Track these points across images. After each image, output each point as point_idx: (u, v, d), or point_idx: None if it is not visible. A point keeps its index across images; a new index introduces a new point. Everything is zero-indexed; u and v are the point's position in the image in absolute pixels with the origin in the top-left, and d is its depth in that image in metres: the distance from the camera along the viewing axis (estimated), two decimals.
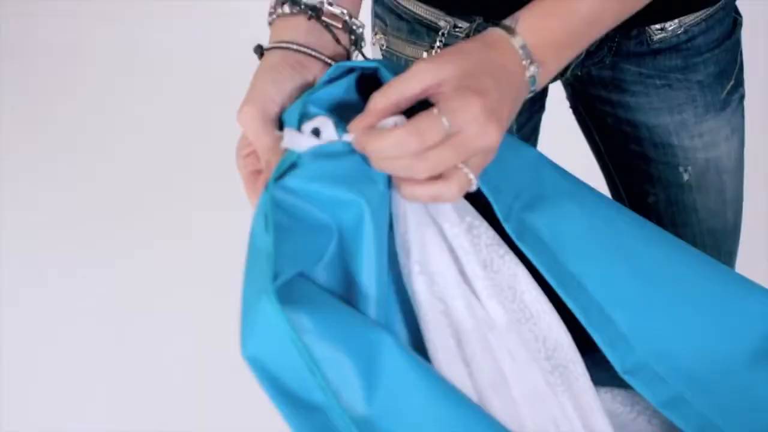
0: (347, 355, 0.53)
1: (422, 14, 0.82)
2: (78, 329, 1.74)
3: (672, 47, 0.83)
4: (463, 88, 0.54)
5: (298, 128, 0.59)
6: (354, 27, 0.68)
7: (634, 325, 0.63)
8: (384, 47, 0.86)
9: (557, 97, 0.97)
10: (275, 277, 0.52)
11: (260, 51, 0.66)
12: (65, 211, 2.02)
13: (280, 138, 0.59)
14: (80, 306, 1.79)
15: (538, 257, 0.62)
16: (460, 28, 0.81)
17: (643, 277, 0.65)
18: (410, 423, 0.54)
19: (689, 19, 0.82)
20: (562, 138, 1.14)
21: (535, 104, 0.92)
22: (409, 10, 0.82)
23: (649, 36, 0.82)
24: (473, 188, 0.56)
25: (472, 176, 0.55)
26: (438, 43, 0.82)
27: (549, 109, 0.96)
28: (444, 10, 0.81)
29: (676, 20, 0.81)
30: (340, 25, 0.67)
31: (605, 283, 0.64)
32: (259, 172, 0.62)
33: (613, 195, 0.99)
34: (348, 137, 0.57)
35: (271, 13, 0.67)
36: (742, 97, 0.90)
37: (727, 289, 0.69)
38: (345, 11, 0.66)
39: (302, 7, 0.65)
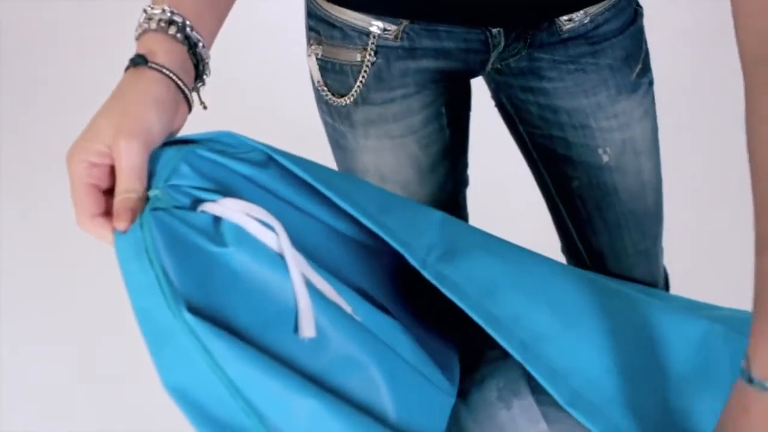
0: (270, 376, 0.54)
1: (353, 21, 0.88)
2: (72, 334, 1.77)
3: (580, 36, 0.90)
4: None
5: (167, 181, 0.58)
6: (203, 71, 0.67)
7: (563, 359, 0.65)
8: (319, 56, 0.91)
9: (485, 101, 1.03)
10: (183, 306, 0.52)
11: (140, 63, 0.62)
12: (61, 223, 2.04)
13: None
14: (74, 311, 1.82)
15: (463, 301, 0.64)
16: (389, 30, 0.87)
17: (561, 312, 0.68)
18: None
19: (594, 9, 0.89)
20: (490, 137, 1.21)
21: (459, 102, 0.98)
22: (341, 18, 0.88)
23: (559, 27, 0.89)
24: None
25: None
26: (371, 45, 0.88)
27: (478, 112, 1.02)
28: (373, 16, 0.87)
29: (582, 11, 0.88)
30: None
31: (526, 322, 0.66)
32: (99, 189, 0.59)
33: (539, 185, 1.04)
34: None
35: (148, 19, 0.65)
36: (651, 82, 0.97)
37: (647, 317, 0.72)
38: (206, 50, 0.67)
39: (184, 35, 0.65)
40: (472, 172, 1.06)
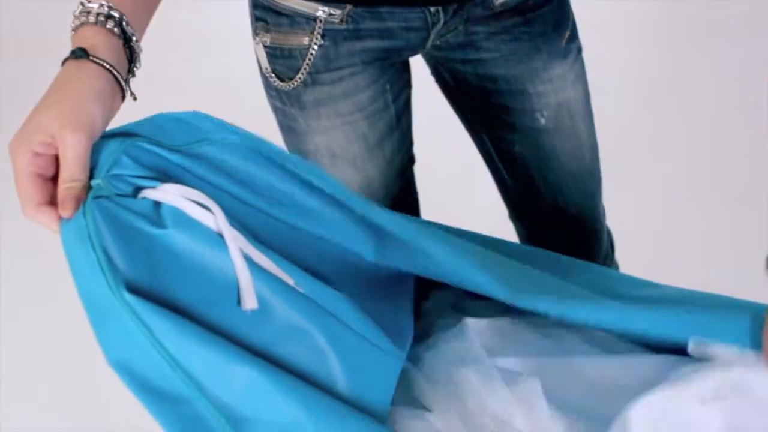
0: (209, 348, 0.58)
1: (300, 8, 0.92)
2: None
3: (512, 9, 0.95)
4: None
5: (108, 171, 0.62)
6: (136, 59, 0.71)
7: None
8: (267, 43, 0.95)
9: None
10: (123, 287, 0.56)
11: (82, 57, 0.66)
12: None
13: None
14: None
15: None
16: (334, 14, 0.91)
17: None
18: (268, 414, 0.60)
19: None
20: (434, 114, 1.25)
21: (402, 80, 1.02)
22: (288, 6, 0.92)
23: (492, 1, 0.93)
24: None
25: None
26: (318, 29, 0.92)
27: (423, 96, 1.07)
28: (319, 2, 0.91)
29: None
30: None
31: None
32: (43, 178, 0.62)
33: (482, 155, 1.09)
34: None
35: (86, 12, 0.68)
36: (580, 49, 1.02)
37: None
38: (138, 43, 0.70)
39: (121, 29, 0.68)
40: (420, 151, 1.10)
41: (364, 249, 0.76)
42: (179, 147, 0.67)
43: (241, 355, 0.60)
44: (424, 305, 0.86)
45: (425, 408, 0.74)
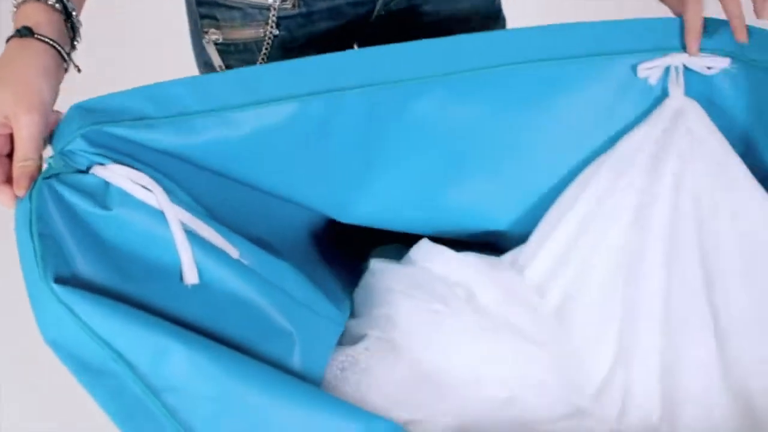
0: (141, 327, 0.60)
1: None
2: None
3: None
4: None
5: (63, 149, 0.64)
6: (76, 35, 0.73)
7: None
8: (219, 41, 0.94)
9: None
10: (51, 277, 0.59)
11: (27, 35, 0.67)
12: None
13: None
14: None
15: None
16: (286, 0, 0.91)
17: None
18: (200, 387, 0.62)
19: None
20: None
21: None
22: None
23: None
24: None
25: None
26: (272, 18, 0.91)
27: None
28: None
29: None
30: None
31: None
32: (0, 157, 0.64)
33: None
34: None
35: None
36: (505, 20, 1.05)
37: None
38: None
39: (62, 5, 0.70)
40: None
41: (336, 209, 0.78)
42: (160, 117, 0.68)
43: (174, 333, 0.62)
44: (364, 265, 0.88)
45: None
